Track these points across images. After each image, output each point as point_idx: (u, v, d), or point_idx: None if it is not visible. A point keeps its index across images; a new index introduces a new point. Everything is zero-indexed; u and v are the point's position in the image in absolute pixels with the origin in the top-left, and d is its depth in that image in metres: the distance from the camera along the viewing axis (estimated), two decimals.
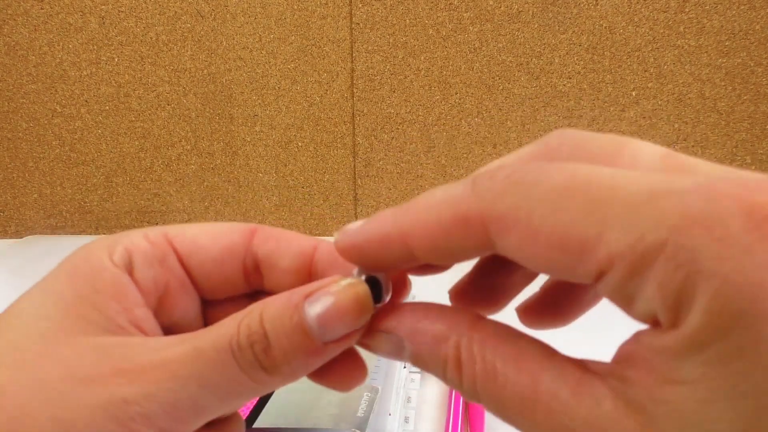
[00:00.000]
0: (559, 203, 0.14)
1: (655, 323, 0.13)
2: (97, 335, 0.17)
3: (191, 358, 0.16)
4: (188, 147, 0.72)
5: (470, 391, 0.16)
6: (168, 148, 0.72)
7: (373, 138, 0.70)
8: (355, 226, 0.18)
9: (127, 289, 0.18)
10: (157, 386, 0.16)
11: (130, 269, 0.19)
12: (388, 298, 0.18)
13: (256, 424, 0.31)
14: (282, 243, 0.21)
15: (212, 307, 0.21)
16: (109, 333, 0.17)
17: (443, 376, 0.16)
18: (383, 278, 0.18)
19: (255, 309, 0.17)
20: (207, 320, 0.21)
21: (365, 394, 0.32)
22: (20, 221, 0.75)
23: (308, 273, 0.21)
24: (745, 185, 0.12)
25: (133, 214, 0.74)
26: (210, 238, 0.20)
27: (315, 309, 0.17)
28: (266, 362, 0.17)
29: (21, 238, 0.75)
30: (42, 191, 0.74)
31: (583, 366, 0.15)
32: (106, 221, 0.74)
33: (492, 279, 0.20)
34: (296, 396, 0.33)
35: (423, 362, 0.17)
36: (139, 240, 0.19)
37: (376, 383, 0.37)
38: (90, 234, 0.75)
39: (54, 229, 0.75)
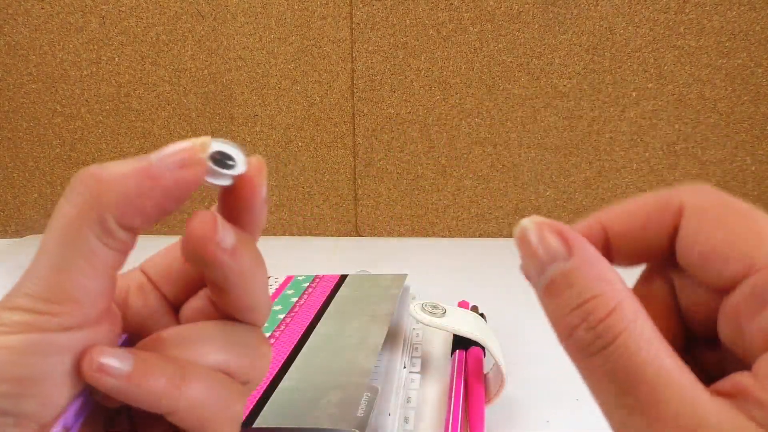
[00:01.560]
0: (740, 218, 0.16)
1: None
2: None
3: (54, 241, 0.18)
4: None
5: (606, 331, 0.15)
6: None
7: (373, 138, 0.70)
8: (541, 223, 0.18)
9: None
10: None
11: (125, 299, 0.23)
12: (242, 169, 0.20)
13: (256, 424, 0.31)
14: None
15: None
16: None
17: (578, 302, 0.16)
18: (236, 154, 0.20)
19: None
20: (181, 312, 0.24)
21: (365, 394, 0.32)
22: (20, 221, 0.75)
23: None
24: None
25: None
26: (167, 260, 0.24)
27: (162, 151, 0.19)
28: (94, 182, 0.19)
29: (21, 237, 0.75)
30: (42, 191, 0.74)
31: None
32: None
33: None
34: (296, 396, 0.33)
35: (571, 283, 0.16)
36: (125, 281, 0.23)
37: (376, 383, 0.37)
38: None
39: None
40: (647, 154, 0.68)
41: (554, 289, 0.16)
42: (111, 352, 0.18)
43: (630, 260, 0.19)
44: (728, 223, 0.16)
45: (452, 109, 0.68)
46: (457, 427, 0.34)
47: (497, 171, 0.70)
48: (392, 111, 0.69)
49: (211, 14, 0.67)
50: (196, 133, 0.71)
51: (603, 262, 0.17)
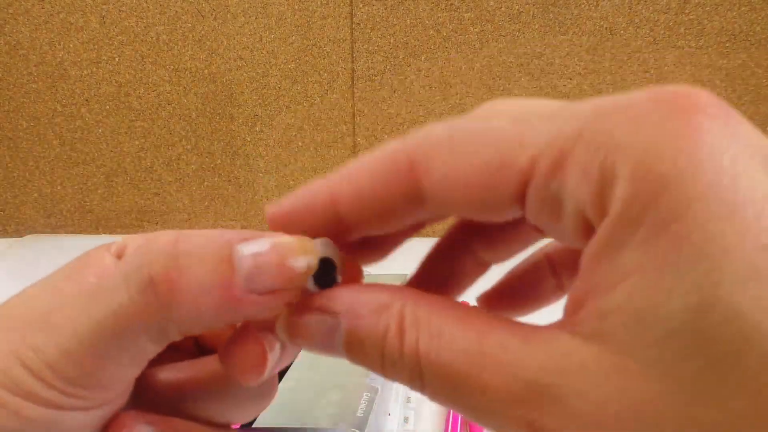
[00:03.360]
0: (482, 126, 0.14)
1: (587, 230, 0.13)
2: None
3: (88, 296, 0.16)
4: (188, 147, 0.72)
5: (411, 360, 0.14)
6: (168, 148, 0.72)
7: (373, 138, 0.70)
8: (288, 196, 0.17)
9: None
10: (59, 333, 0.15)
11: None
12: (339, 280, 0.16)
13: (256, 424, 0.31)
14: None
15: None
16: None
17: (380, 352, 0.15)
18: (338, 260, 0.16)
19: (165, 238, 0.15)
20: None
21: (365, 394, 0.32)
22: (20, 220, 0.75)
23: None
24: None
25: (133, 214, 0.74)
26: None
27: (250, 248, 0.15)
28: (167, 290, 0.15)
29: (21, 237, 0.75)
30: (42, 190, 0.74)
31: (531, 325, 0.14)
32: (106, 221, 0.74)
33: (443, 268, 0.20)
34: (296, 396, 0.33)
35: (358, 341, 0.15)
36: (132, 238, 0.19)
37: (376, 383, 0.37)
38: (90, 233, 0.75)
39: (54, 229, 0.75)
40: None
41: (355, 356, 0.15)
42: (143, 420, 0.17)
43: (369, 224, 0.16)
44: (465, 150, 0.14)
45: (452, 109, 0.68)
46: (456, 427, 0.34)
47: None
48: (392, 111, 0.69)
49: (211, 14, 0.67)
50: (195, 133, 0.71)
51: (365, 293, 0.15)
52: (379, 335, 0.15)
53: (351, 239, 0.17)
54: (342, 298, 0.15)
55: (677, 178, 0.11)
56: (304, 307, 0.16)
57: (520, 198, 0.13)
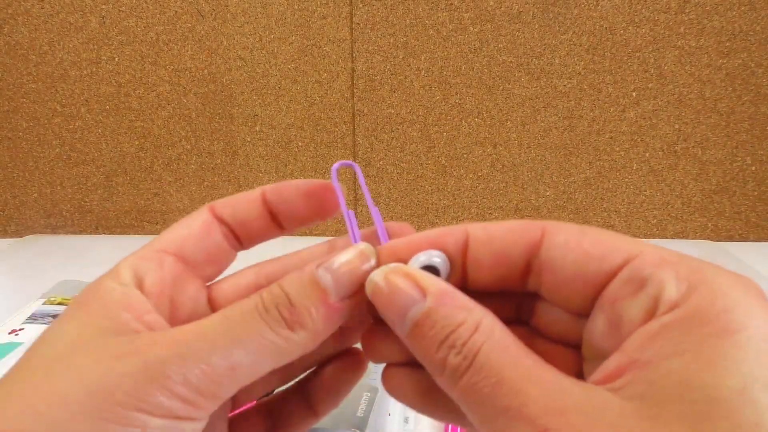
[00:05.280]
0: (598, 231, 0.18)
1: (650, 314, 0.16)
2: (115, 336, 0.18)
3: (220, 321, 0.18)
4: (188, 147, 0.72)
5: (469, 352, 0.16)
6: (168, 148, 0.72)
7: (373, 138, 0.70)
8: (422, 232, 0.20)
9: (136, 300, 0.19)
10: (189, 347, 0.17)
11: (140, 284, 0.20)
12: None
13: None
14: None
15: (219, 297, 0.23)
16: (126, 335, 0.18)
17: (445, 336, 0.16)
18: (445, 270, 0.19)
19: (274, 283, 0.19)
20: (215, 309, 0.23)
21: (365, 394, 0.32)
22: (20, 221, 0.75)
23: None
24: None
25: (133, 214, 0.74)
26: (191, 235, 0.22)
27: (327, 268, 0.19)
28: (290, 318, 0.18)
29: (21, 237, 0.75)
30: (42, 191, 0.74)
31: (576, 380, 0.16)
32: (106, 221, 0.74)
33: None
34: None
35: (431, 321, 0.17)
36: (135, 259, 0.21)
37: (376, 383, 0.37)
38: (90, 234, 0.75)
39: (54, 229, 0.75)
40: (647, 154, 0.68)
41: (418, 332, 0.17)
42: None
43: (486, 275, 0.20)
44: (592, 234, 0.18)
45: (452, 109, 0.68)
46: (456, 427, 0.34)
47: (497, 171, 0.70)
48: (392, 111, 0.69)
49: (211, 14, 0.67)
50: (195, 133, 0.71)
51: (456, 292, 0.17)
52: (454, 322, 0.17)
53: (471, 287, 0.20)
54: (438, 284, 0.18)
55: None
56: (401, 274, 0.18)
57: (607, 279, 0.17)
